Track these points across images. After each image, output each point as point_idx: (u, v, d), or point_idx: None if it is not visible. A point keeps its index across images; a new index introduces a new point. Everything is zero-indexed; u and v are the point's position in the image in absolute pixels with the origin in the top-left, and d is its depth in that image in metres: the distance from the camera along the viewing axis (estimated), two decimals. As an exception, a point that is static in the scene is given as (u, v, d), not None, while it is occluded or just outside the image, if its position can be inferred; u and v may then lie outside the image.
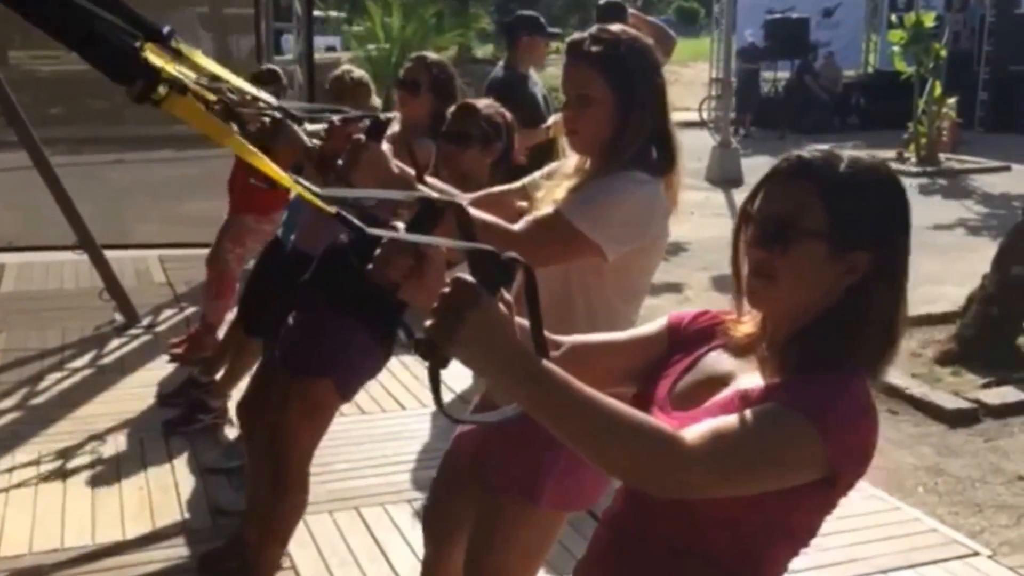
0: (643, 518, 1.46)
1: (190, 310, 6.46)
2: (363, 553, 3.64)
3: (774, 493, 1.31)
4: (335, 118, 2.24)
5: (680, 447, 1.23)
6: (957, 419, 5.06)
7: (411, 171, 2.10)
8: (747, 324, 1.49)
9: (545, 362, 1.21)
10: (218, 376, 4.90)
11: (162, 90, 1.29)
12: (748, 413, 1.30)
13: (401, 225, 1.42)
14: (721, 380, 1.46)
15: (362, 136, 2.05)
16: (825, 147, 1.46)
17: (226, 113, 2.77)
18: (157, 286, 7.07)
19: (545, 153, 4.56)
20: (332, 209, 1.34)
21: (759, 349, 1.46)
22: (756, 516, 1.37)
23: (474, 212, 1.98)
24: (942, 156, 13.66)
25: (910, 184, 12.27)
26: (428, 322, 1.19)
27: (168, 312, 6.54)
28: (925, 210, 10.74)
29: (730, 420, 1.29)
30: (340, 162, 2.06)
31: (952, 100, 13.95)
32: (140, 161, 11.52)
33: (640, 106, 2.15)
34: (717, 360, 1.50)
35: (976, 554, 3.73)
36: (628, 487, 1.50)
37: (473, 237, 1.30)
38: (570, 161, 2.33)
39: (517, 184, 2.52)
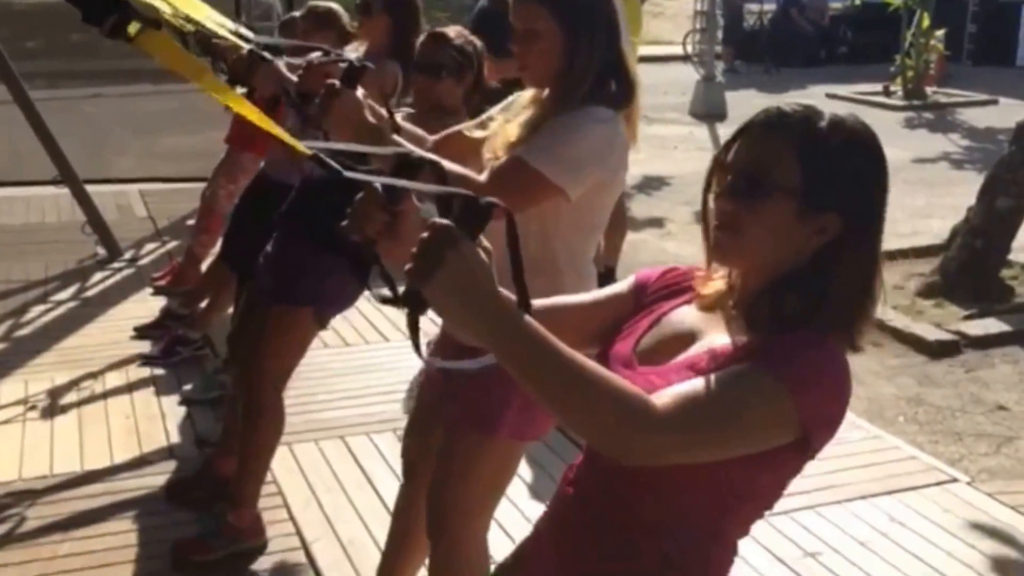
0: (608, 478, 1.44)
1: (172, 244, 6.43)
2: (349, 480, 3.67)
3: (744, 457, 1.30)
4: (313, 56, 2.21)
5: (650, 412, 1.21)
6: (938, 350, 5.09)
7: (385, 117, 2.09)
8: (715, 281, 1.46)
9: (522, 313, 1.19)
10: (200, 309, 4.89)
11: (133, 27, 1.26)
12: (718, 376, 1.27)
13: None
14: (688, 336, 1.43)
15: (337, 82, 2.03)
16: (807, 102, 1.42)
17: (204, 46, 2.73)
18: (139, 220, 7.02)
19: None
20: (309, 151, 1.32)
21: (726, 306, 1.43)
22: (725, 480, 1.34)
23: (444, 164, 1.98)
24: (929, 90, 13.58)
25: (896, 117, 12.30)
26: (407, 266, 1.17)
27: (150, 246, 6.50)
28: (911, 144, 10.73)
29: (699, 384, 1.26)
30: (315, 105, 2.03)
31: (940, 32, 13.83)
32: (118, 95, 11.34)
33: (588, 37, 2.15)
34: (683, 316, 1.48)
35: (955, 480, 3.79)
36: (591, 451, 1.49)
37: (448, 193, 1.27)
38: (526, 94, 2.32)
39: (478, 120, 2.50)
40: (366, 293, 3.31)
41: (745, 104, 13.00)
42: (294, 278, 3.12)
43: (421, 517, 2.47)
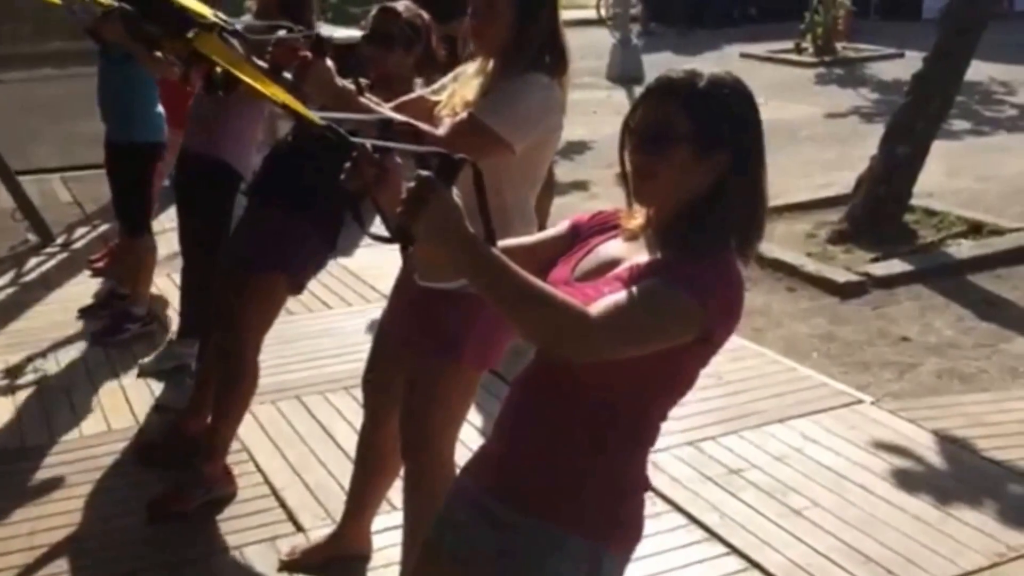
0: (550, 377, 1.78)
1: (104, 227, 6.47)
2: (309, 435, 3.92)
3: (664, 352, 1.61)
4: (279, 34, 2.46)
5: (588, 319, 1.51)
6: (848, 291, 5.49)
7: (351, 87, 2.38)
8: (637, 217, 1.78)
9: (486, 244, 1.51)
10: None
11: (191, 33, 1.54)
12: (639, 288, 1.59)
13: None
14: (616, 261, 1.74)
15: (308, 53, 2.35)
16: (690, 67, 1.75)
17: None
18: (65, 206, 7.04)
19: None
20: (322, 122, 1.65)
21: (647, 235, 1.75)
22: (645, 372, 1.67)
23: (405, 119, 2.28)
24: (839, 45, 14.06)
25: (807, 74, 12.74)
26: (398, 209, 1.50)
27: (82, 230, 6.55)
28: (822, 99, 11.17)
29: (624, 295, 1.57)
30: (289, 75, 2.33)
31: (845, -11, 14.32)
32: (19, 80, 10.91)
33: (535, 14, 2.50)
34: (612, 246, 1.79)
35: (860, 402, 4.20)
36: (539, 355, 1.82)
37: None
38: (471, 65, 2.66)
39: (432, 88, 2.83)
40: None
41: (661, 67, 12.93)
42: (267, 247, 3.33)
43: (384, 444, 2.83)
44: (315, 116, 1.65)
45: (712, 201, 1.70)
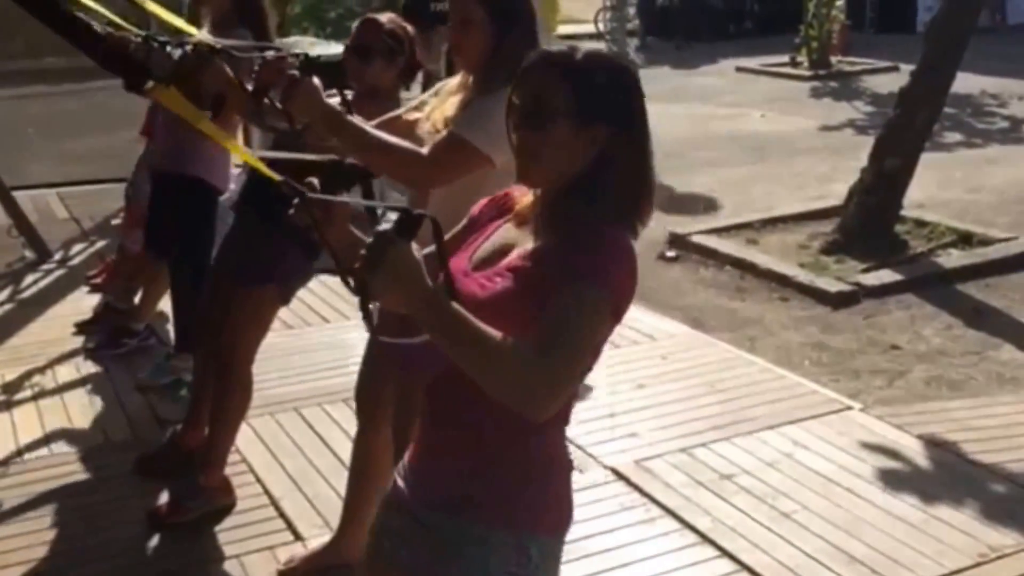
0: (456, 382, 1.67)
1: (101, 243, 6.52)
2: (307, 446, 3.98)
3: None
4: (268, 54, 2.52)
5: (547, 371, 1.52)
6: (839, 301, 5.56)
7: (339, 107, 2.44)
8: (528, 195, 1.79)
9: (446, 299, 1.52)
10: (136, 300, 5.09)
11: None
12: (562, 308, 1.56)
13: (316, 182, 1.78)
14: (508, 247, 1.74)
15: (296, 72, 2.38)
16: (568, 43, 1.76)
17: (146, 51, 2.99)
18: (62, 222, 7.06)
19: None
20: (279, 177, 1.70)
21: (536, 216, 1.74)
22: None
23: (390, 139, 2.41)
24: (834, 59, 14.15)
25: (803, 87, 12.84)
26: (357, 264, 1.51)
27: (79, 246, 6.58)
28: (816, 112, 11.26)
29: (556, 324, 1.55)
30: (275, 97, 2.37)
31: (840, 3, 14.44)
32: (14, 98, 10.80)
33: (512, 29, 2.54)
34: (506, 231, 1.79)
35: (850, 408, 4.26)
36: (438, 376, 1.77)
37: (371, 194, 1.69)
38: (453, 80, 2.72)
39: (412, 104, 2.88)
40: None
41: (658, 80, 13.43)
42: (254, 260, 3.39)
43: (377, 452, 2.91)
44: (272, 173, 1.67)
45: (595, 175, 1.69)
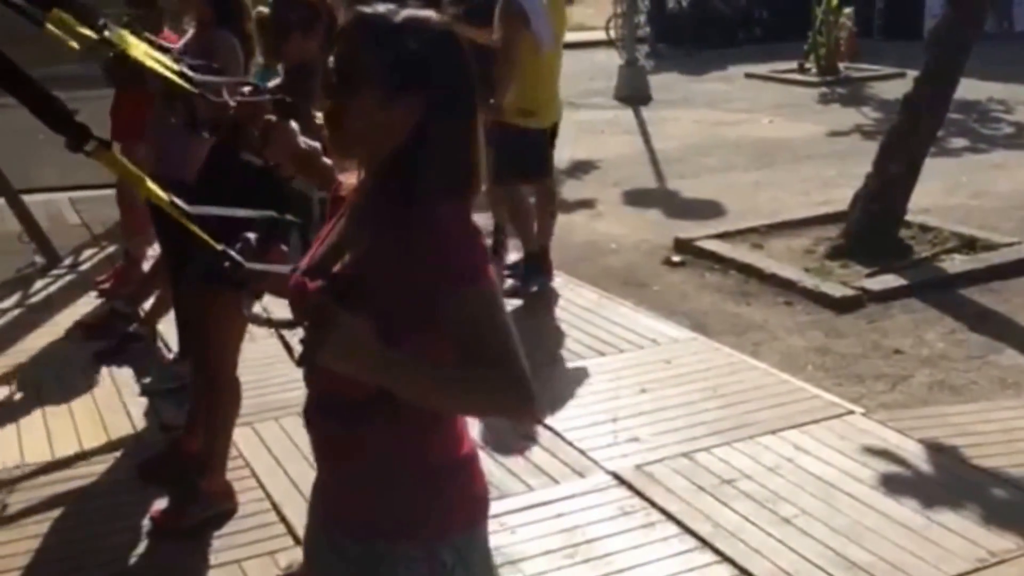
0: (329, 406, 1.67)
1: (111, 249, 6.56)
2: (310, 450, 3.95)
3: (439, 334, 1.55)
4: (245, 90, 2.50)
5: (507, 381, 1.52)
6: (844, 305, 5.54)
7: (317, 145, 2.39)
8: (353, 178, 1.67)
9: (397, 354, 1.49)
10: (147, 306, 5.13)
11: (90, 145, 1.61)
12: (472, 320, 1.52)
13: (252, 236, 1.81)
14: (338, 246, 1.64)
15: (273, 117, 2.34)
16: (387, 4, 1.59)
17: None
18: (72, 227, 7.11)
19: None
20: (219, 246, 1.71)
21: (364, 201, 1.63)
22: (430, 356, 1.57)
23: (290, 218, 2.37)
24: (841, 65, 14.13)
25: (811, 93, 12.82)
26: (300, 340, 1.47)
27: (89, 252, 6.63)
28: (824, 118, 11.24)
29: (483, 335, 1.53)
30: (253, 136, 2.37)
31: (848, 10, 14.43)
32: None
33: None
34: (344, 223, 1.68)
35: (851, 412, 4.26)
36: (311, 386, 1.72)
37: (308, 245, 1.67)
38: None
39: None
40: None
41: (668, 86, 13.47)
42: (207, 265, 3.35)
43: None
44: (205, 236, 1.69)
45: (414, 150, 1.56)
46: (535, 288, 5.77)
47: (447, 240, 1.55)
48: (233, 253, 1.69)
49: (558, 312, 5.51)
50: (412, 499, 1.66)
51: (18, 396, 4.56)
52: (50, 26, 1.77)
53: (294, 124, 2.37)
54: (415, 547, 1.65)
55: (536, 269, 5.83)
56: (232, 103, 2.64)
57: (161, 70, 2.14)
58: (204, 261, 1.71)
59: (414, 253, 1.53)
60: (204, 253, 1.71)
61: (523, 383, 1.54)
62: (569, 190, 8.11)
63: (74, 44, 1.74)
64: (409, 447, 1.65)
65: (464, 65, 1.61)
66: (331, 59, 1.58)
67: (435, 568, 1.65)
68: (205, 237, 1.65)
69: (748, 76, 13.92)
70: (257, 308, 1.87)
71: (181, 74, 2.47)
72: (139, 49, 1.90)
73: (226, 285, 1.73)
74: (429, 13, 1.60)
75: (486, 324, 1.54)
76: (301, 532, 3.40)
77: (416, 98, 1.55)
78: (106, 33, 1.83)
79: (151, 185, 1.64)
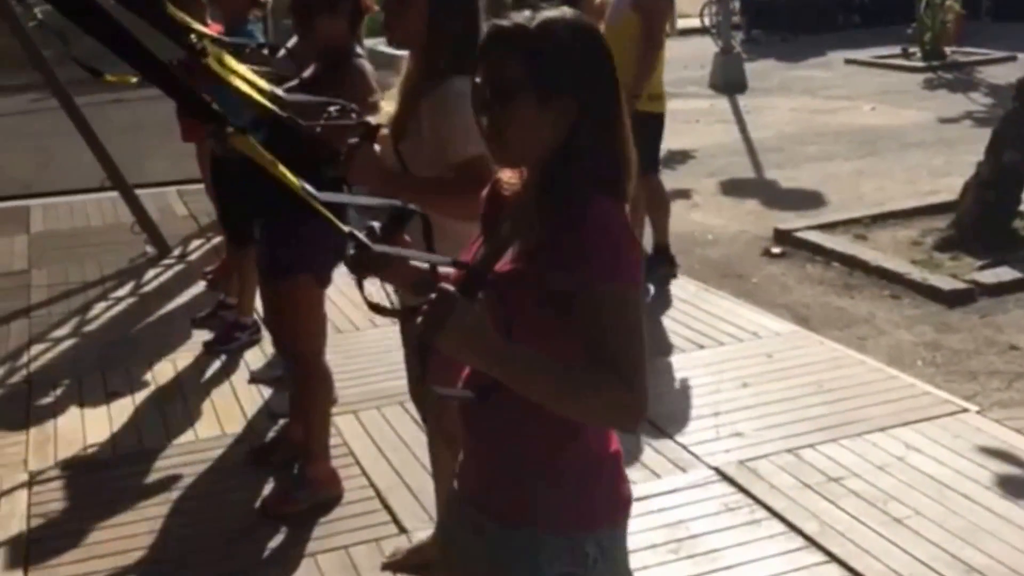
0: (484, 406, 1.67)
1: (217, 239, 6.71)
2: (412, 439, 4.02)
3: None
4: (332, 109, 2.50)
5: (619, 386, 1.50)
6: (955, 299, 5.37)
7: (397, 170, 2.46)
8: (511, 175, 1.72)
9: (512, 347, 1.50)
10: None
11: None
12: (604, 317, 1.52)
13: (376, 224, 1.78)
14: (504, 242, 1.66)
15: (356, 139, 2.34)
16: (525, 12, 1.61)
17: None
18: (181, 219, 7.35)
19: None
20: (346, 228, 1.69)
21: (524, 202, 1.66)
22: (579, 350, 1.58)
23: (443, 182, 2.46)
24: (948, 49, 13.66)
25: (916, 79, 12.44)
26: (419, 325, 1.48)
27: (196, 243, 6.85)
28: (932, 104, 10.89)
29: (607, 335, 1.52)
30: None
31: (956, -8, 13.95)
32: (139, 99, 11.39)
33: (447, 9, 2.52)
34: (504, 223, 1.71)
35: (965, 411, 4.11)
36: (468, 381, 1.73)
37: (431, 240, 1.66)
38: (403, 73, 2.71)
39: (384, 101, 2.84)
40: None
41: (764, 74, 13.21)
42: (280, 254, 3.39)
43: (434, 451, 3.00)
44: (335, 219, 1.66)
45: (568, 152, 1.60)
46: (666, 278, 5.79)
47: (599, 236, 1.56)
48: (361, 236, 1.69)
49: (656, 304, 5.46)
50: (563, 490, 1.68)
51: (133, 384, 4.70)
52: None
53: (377, 147, 2.39)
54: (562, 538, 1.67)
55: (662, 262, 5.85)
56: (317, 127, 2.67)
57: (254, 95, 2.14)
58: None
59: (568, 250, 1.55)
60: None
61: (634, 397, 1.52)
62: (665, 180, 7.94)
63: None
64: (566, 445, 1.68)
65: (606, 59, 1.63)
66: (478, 76, 1.62)
67: (578, 559, 1.67)
68: (334, 220, 1.66)
69: (848, 62, 13.56)
70: (381, 296, 1.87)
71: (273, 97, 2.50)
72: (237, 73, 1.91)
73: (353, 269, 1.73)
74: (561, 13, 1.61)
75: (611, 325, 1.54)
76: (405, 520, 3.49)
77: (566, 101, 1.59)
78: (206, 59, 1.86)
79: (283, 169, 1.67)
